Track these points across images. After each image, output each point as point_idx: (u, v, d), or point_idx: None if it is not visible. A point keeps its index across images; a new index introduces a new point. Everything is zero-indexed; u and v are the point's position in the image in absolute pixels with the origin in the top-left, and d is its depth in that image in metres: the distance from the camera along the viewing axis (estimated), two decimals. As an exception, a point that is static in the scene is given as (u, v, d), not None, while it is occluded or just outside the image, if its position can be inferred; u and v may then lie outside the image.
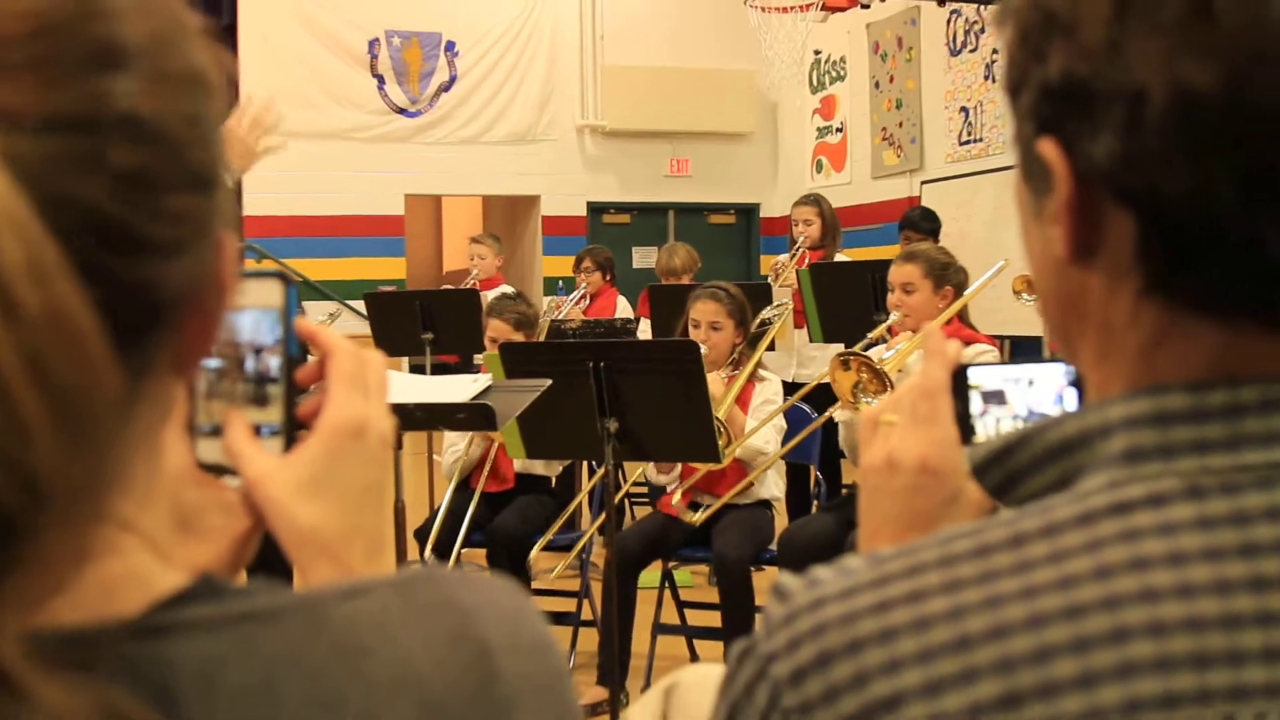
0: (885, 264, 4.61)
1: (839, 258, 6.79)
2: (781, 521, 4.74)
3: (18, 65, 0.56)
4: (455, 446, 4.90)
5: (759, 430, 4.40)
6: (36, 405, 0.49)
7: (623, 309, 7.58)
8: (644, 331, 6.84)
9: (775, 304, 5.18)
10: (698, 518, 4.39)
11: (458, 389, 3.35)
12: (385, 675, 0.61)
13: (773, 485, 4.63)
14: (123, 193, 0.58)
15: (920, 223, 7.35)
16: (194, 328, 0.64)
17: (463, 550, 4.60)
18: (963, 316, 4.45)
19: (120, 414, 0.57)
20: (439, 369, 6.59)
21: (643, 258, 13.23)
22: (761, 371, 4.66)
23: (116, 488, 0.60)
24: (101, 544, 0.59)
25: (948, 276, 4.35)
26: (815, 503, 5.65)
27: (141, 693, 0.55)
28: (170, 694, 0.56)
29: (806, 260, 6.64)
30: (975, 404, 1.03)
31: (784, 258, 6.83)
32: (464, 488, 4.81)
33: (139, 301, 0.59)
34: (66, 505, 0.51)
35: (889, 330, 4.38)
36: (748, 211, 13.84)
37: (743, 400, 4.54)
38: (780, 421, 4.54)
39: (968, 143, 10.39)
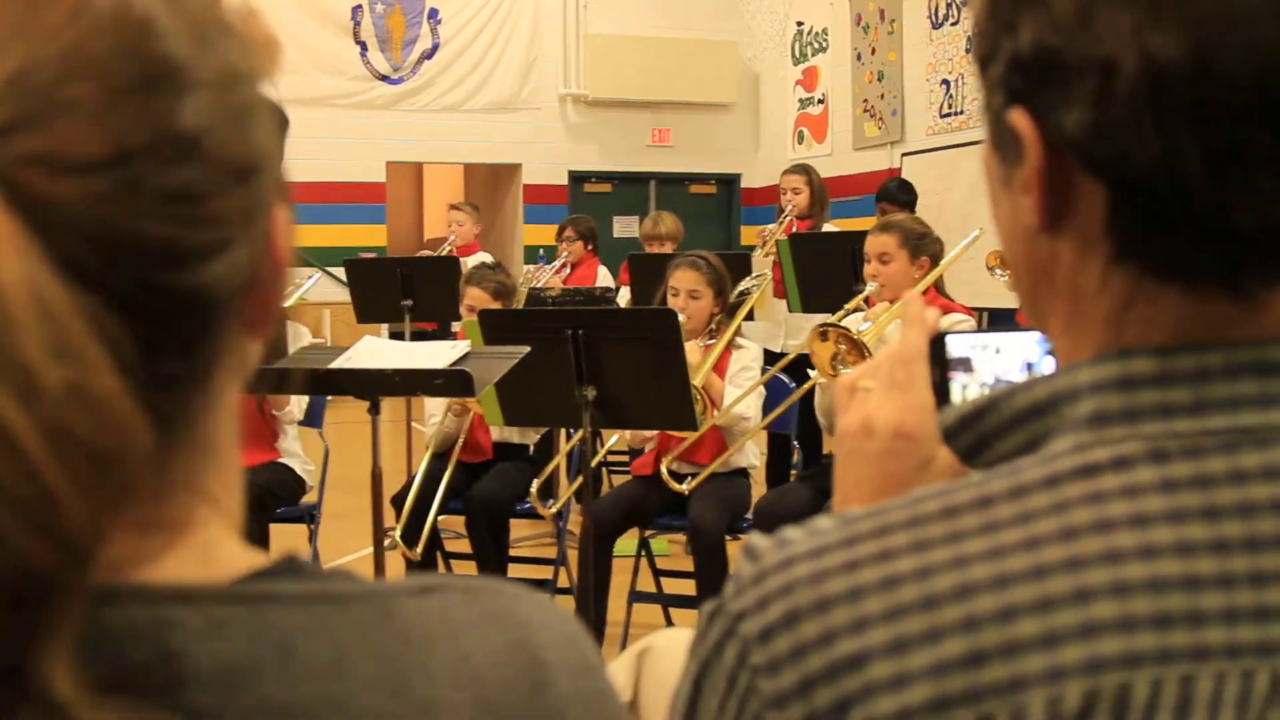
0: (865, 235, 4.61)
1: (827, 228, 6.79)
2: (759, 491, 4.76)
3: (62, 105, 0.55)
4: (436, 416, 4.90)
5: (741, 398, 4.40)
6: (61, 476, 0.51)
7: (604, 278, 7.57)
8: (624, 300, 6.83)
9: (754, 274, 5.19)
10: (685, 487, 4.39)
11: (436, 355, 3.35)
12: (446, 669, 0.63)
13: (751, 454, 4.64)
14: (168, 211, 0.57)
15: (897, 194, 7.36)
16: (257, 300, 0.65)
17: (439, 517, 4.60)
18: (939, 287, 4.46)
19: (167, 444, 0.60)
20: (418, 336, 6.58)
21: (624, 227, 13.20)
22: (739, 339, 4.66)
23: (204, 461, 0.63)
24: (193, 517, 0.62)
25: (924, 246, 4.36)
26: (794, 473, 5.68)
27: (228, 654, 0.58)
28: (253, 659, 0.58)
29: (794, 229, 6.64)
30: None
31: (772, 226, 6.83)
32: (442, 457, 4.81)
33: (196, 306, 0.59)
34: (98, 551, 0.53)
35: (866, 301, 4.39)
36: (729, 182, 13.82)
37: (720, 368, 4.55)
38: (760, 389, 4.55)
39: (949, 115, 10.39)
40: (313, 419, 4.98)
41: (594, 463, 4.46)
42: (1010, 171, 0.76)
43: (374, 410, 3.46)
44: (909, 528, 0.71)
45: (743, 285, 4.96)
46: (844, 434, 1.04)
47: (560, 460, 5.02)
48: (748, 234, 13.00)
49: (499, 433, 4.88)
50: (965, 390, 1.04)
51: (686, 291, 4.59)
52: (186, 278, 0.58)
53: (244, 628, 0.59)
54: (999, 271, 6.65)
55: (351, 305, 6.50)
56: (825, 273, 5.62)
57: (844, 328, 3.90)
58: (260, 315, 0.66)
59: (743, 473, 4.62)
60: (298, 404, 4.78)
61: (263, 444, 4.74)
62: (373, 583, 0.65)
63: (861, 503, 0.98)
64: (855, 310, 4.33)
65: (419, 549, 4.50)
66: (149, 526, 0.60)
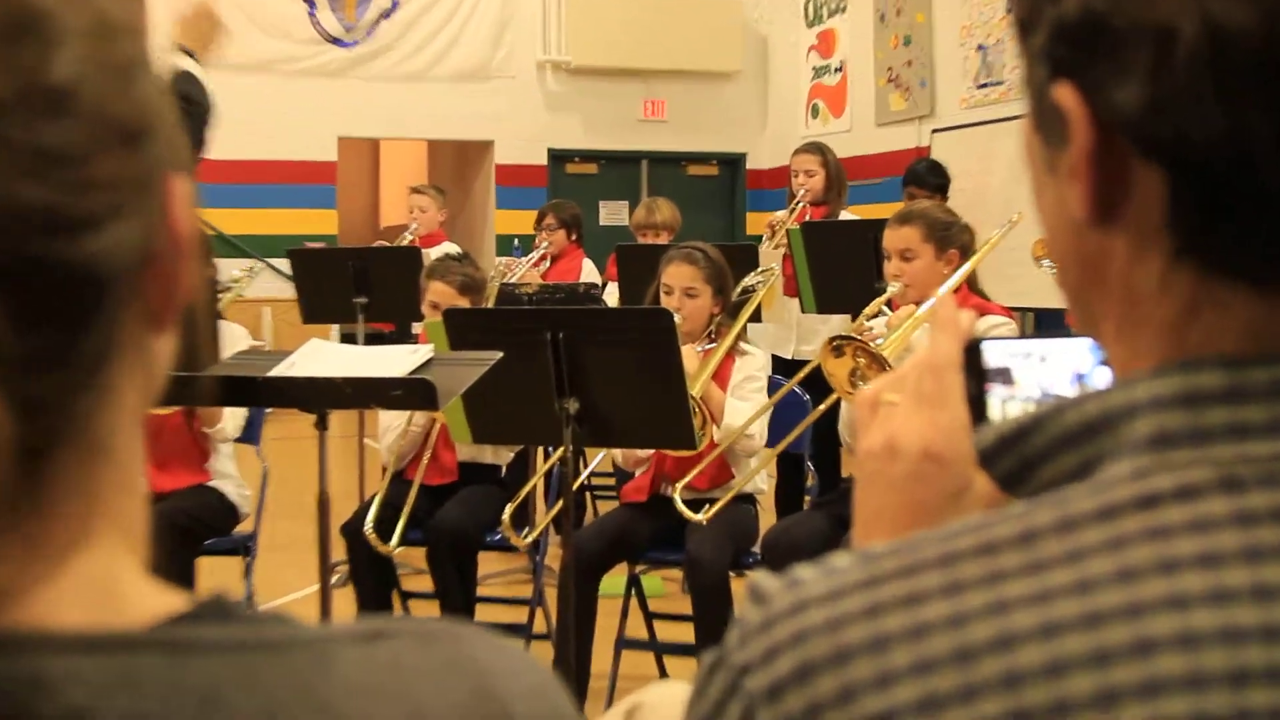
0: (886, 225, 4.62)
1: (844, 215, 6.80)
2: (767, 520, 4.76)
3: None
4: (394, 428, 4.89)
5: (752, 420, 4.40)
6: None
7: (588, 273, 7.57)
8: (611, 298, 6.84)
9: (760, 269, 5.19)
10: (703, 516, 4.37)
11: (394, 361, 3.35)
12: (397, 717, 0.63)
13: (758, 477, 4.64)
14: (43, 172, 0.58)
15: (926, 177, 7.37)
16: (158, 284, 0.65)
17: (399, 549, 4.59)
18: (973, 284, 4.47)
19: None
20: (373, 338, 6.57)
21: (612, 214, 13.22)
22: (743, 345, 4.67)
23: (98, 467, 0.63)
24: (85, 538, 0.62)
25: (951, 237, 4.36)
26: (807, 499, 5.68)
27: (142, 710, 0.58)
28: (171, 716, 0.58)
29: (808, 217, 6.64)
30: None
31: (782, 214, 6.83)
32: (400, 479, 4.81)
33: (79, 282, 0.60)
34: None
35: (888, 304, 4.40)
36: (732, 162, 13.85)
37: (720, 377, 4.55)
38: (764, 401, 4.55)
39: (986, 85, 10.41)
40: (249, 435, 4.98)
41: (576, 486, 4.46)
42: (1055, 155, 0.76)
43: (321, 425, 3.46)
44: (940, 567, 0.70)
45: (747, 281, 4.97)
46: (865, 456, 1.03)
47: (537, 483, 5.02)
48: (754, 222, 13.02)
49: (466, 451, 4.87)
50: (1005, 406, 1.04)
51: (682, 289, 4.60)
52: (67, 249, 0.59)
53: (160, 680, 0.59)
54: (1047, 263, 6.66)
55: (296, 302, 6.49)
56: (843, 267, 5.63)
57: (860, 340, 3.90)
58: (163, 302, 0.66)
59: (748, 499, 4.62)
60: (232, 418, 4.77)
61: (190, 464, 4.73)
62: (312, 628, 0.66)
63: (885, 536, 0.98)
64: (876, 315, 4.34)
65: (393, 542, 4.49)
66: (26, 547, 0.59)
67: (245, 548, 4.88)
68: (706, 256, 4.65)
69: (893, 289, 4.34)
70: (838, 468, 6.17)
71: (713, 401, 4.45)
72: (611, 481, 6.76)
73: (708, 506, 4.41)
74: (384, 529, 4.53)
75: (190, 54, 3.88)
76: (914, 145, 11.10)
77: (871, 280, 5.25)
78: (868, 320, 4.26)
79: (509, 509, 4.51)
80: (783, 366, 6.34)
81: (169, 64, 3.72)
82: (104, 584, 0.62)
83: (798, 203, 6.74)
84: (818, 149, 6.87)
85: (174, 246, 0.66)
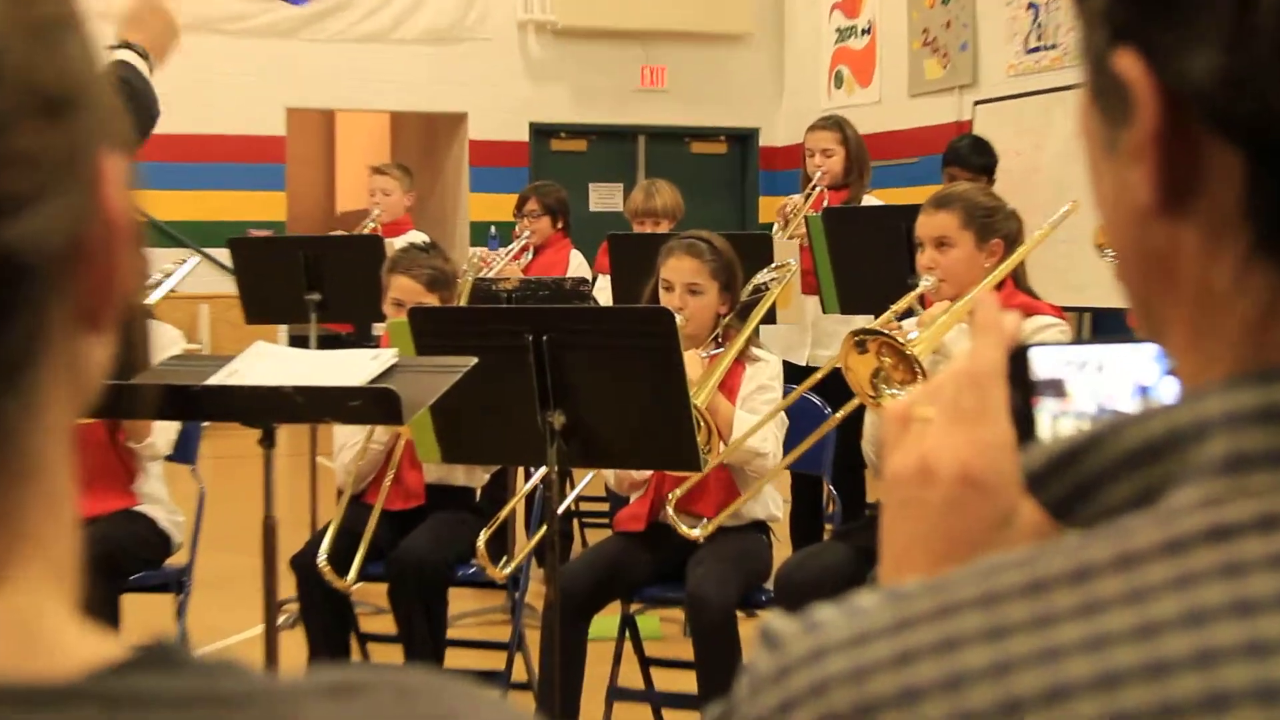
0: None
1: (867, 200, 6.80)
2: (782, 552, 4.76)
3: None
4: (351, 445, 4.89)
5: (757, 427, 4.40)
6: None
7: (577, 266, 7.58)
8: (603, 294, 6.84)
9: (775, 264, 5.19)
10: (699, 532, 4.38)
11: (352, 368, 3.35)
12: None
13: (770, 502, 4.64)
14: None
15: (969, 156, 7.38)
16: (90, 278, 0.65)
17: (356, 584, 4.59)
18: (1019, 280, 4.46)
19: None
20: (328, 341, 6.57)
21: (603, 197, 13.24)
22: (754, 350, 4.67)
23: (20, 488, 0.63)
24: (4, 570, 0.62)
25: (994, 225, 4.36)
26: (827, 527, 5.68)
27: None
28: None
29: (825, 203, 6.64)
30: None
31: (796, 199, 6.83)
32: (359, 504, 4.80)
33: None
34: None
35: (921, 300, 4.40)
36: (743, 139, 13.86)
37: (729, 386, 4.55)
38: (781, 415, 4.55)
39: (1037, 50, 10.43)
40: (183, 453, 4.97)
41: (561, 512, 4.45)
42: (1116, 133, 0.76)
43: (267, 442, 3.46)
44: (981, 608, 0.71)
45: (760, 277, 4.97)
46: (895, 479, 1.04)
47: (517, 508, 5.02)
48: (767, 208, 13.03)
49: (435, 472, 4.87)
50: (1056, 422, 1.04)
51: (684, 285, 4.60)
52: None
53: None
54: (1111, 253, 6.66)
55: (238, 299, 6.49)
56: (871, 260, 5.63)
57: (887, 334, 3.90)
58: (96, 300, 0.66)
59: (760, 527, 4.62)
60: (163, 433, 4.77)
61: (115, 487, 4.73)
62: (273, 680, 0.65)
63: (917, 570, 0.98)
64: (907, 313, 4.34)
65: (351, 577, 4.49)
66: None
67: (178, 583, 4.87)
68: (713, 248, 4.65)
69: (926, 283, 4.33)
70: (861, 492, 6.16)
71: (720, 415, 4.45)
72: (603, 507, 6.76)
73: (705, 522, 4.41)
74: (340, 561, 4.53)
75: (138, 51, 3.88)
76: (953, 119, 11.11)
77: (903, 276, 5.25)
78: (896, 318, 4.26)
79: (483, 536, 4.51)
80: (796, 375, 6.34)
81: (111, 55, 3.72)
82: (28, 626, 0.62)
83: (814, 187, 6.74)
84: (836, 124, 6.88)
85: (108, 233, 0.66)
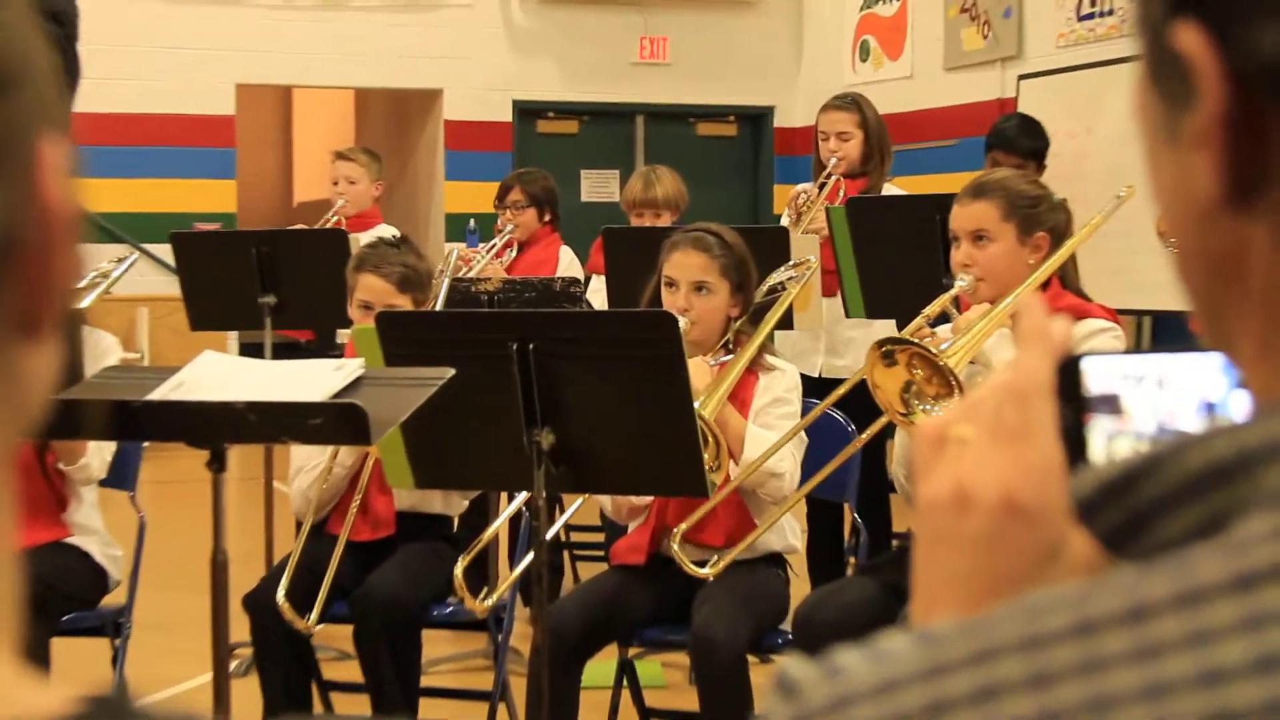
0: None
1: (888, 190, 6.80)
2: (800, 589, 4.75)
3: None
4: (311, 467, 4.89)
5: (775, 447, 4.39)
6: None
7: (567, 264, 7.57)
8: (597, 296, 6.84)
9: (793, 261, 5.18)
10: (708, 571, 4.37)
11: (312, 380, 3.35)
12: None
13: (787, 531, 4.64)
14: None
15: (1017, 139, 7.36)
16: (27, 278, 0.65)
17: (319, 626, 4.58)
18: (1067, 279, 4.46)
19: None
20: (285, 349, 6.56)
21: (597, 186, 13.23)
22: (769, 358, 4.67)
23: None
24: None
25: (1038, 216, 4.35)
26: (851, 561, 5.67)
27: None
28: None
29: (841, 193, 6.64)
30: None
31: (807, 188, 6.82)
32: (321, 534, 4.80)
33: None
34: None
35: (956, 303, 4.39)
36: (756, 119, 13.86)
37: (740, 398, 4.55)
38: (801, 435, 4.54)
39: (1090, 17, 10.44)
40: (120, 478, 4.97)
41: (550, 542, 4.45)
42: (1177, 117, 0.76)
43: (216, 465, 3.45)
44: (1023, 652, 0.71)
45: (776, 276, 4.97)
46: (928, 507, 1.04)
47: (499, 538, 5.01)
48: (783, 197, 13.00)
49: (406, 499, 4.87)
50: (1110, 443, 1.04)
51: (690, 284, 4.60)
52: None
53: None
54: (1174, 242, 6.66)
55: (182, 303, 6.48)
56: (902, 258, 5.62)
57: (918, 344, 3.90)
58: (34, 302, 0.66)
59: (775, 560, 4.62)
60: (98, 455, 4.76)
61: (43, 515, 4.73)
62: None
63: (952, 611, 0.98)
64: (941, 318, 4.33)
65: (312, 617, 4.49)
66: None
67: (115, 626, 4.86)
68: (722, 242, 4.65)
69: (961, 283, 4.32)
70: (888, 520, 6.15)
71: (730, 430, 4.45)
72: (597, 537, 6.76)
73: (715, 559, 4.40)
74: (300, 600, 4.53)
75: None
76: (995, 96, 11.12)
77: (938, 275, 5.25)
78: (928, 324, 4.25)
79: (461, 564, 4.49)
80: (809, 386, 6.34)
81: None
82: None
83: (827, 176, 6.74)
84: (854, 103, 6.87)
85: (46, 228, 0.66)
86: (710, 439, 4.19)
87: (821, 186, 6.73)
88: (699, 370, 4.36)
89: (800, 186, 7.01)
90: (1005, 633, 0.72)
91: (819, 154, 6.87)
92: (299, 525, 4.86)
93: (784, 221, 6.88)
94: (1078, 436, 1.04)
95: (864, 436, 4.36)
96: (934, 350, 3.88)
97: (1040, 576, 0.99)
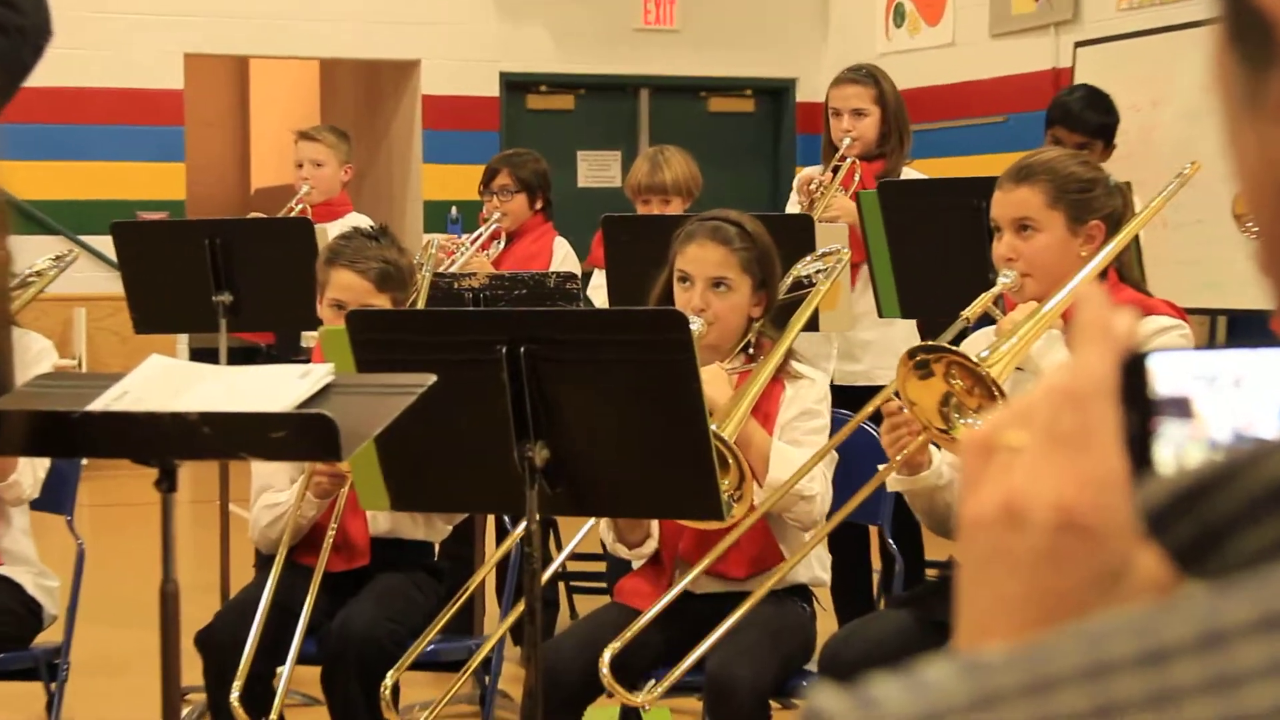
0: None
1: (907, 174, 6.79)
2: (828, 624, 4.75)
3: None
4: (274, 493, 4.88)
5: (806, 468, 4.39)
6: None
7: (562, 257, 7.57)
8: (597, 293, 6.84)
9: (822, 250, 5.17)
10: (730, 624, 4.35)
11: (274, 389, 3.35)
12: None
13: (814, 561, 4.63)
14: None
15: (1083, 114, 7.29)
16: None
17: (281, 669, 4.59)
18: (1125, 272, 4.44)
19: None
20: (242, 354, 6.58)
21: (596, 169, 13.24)
22: (796, 365, 4.66)
23: None
24: None
25: (1091, 201, 4.32)
26: (884, 594, 5.67)
27: None
28: None
29: (856, 177, 6.63)
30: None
31: (815, 173, 6.82)
32: (290, 562, 4.79)
33: None
34: None
35: (999, 302, 4.38)
36: (776, 93, 13.86)
37: (763, 410, 4.54)
38: (831, 452, 4.54)
39: (1154, -21, 10.45)
40: (57, 500, 4.97)
41: (547, 576, 4.46)
42: (1259, 82, 0.76)
43: (165, 485, 3.46)
44: (1084, 683, 0.71)
45: (802, 268, 4.96)
46: (975, 524, 1.04)
47: (486, 572, 5.01)
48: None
49: (383, 523, 4.88)
50: (1180, 450, 1.05)
51: (707, 279, 4.59)
52: None
53: None
54: (1253, 224, 6.60)
55: (125, 302, 6.49)
56: (944, 250, 5.62)
57: (955, 351, 3.89)
58: None
59: (800, 593, 4.62)
60: (30, 472, 4.76)
61: (-30, 542, 4.74)
62: None
63: (1003, 638, 0.99)
64: (983, 320, 4.33)
65: (290, 661, 4.50)
66: None
67: (50, 667, 4.86)
68: (743, 232, 4.64)
69: (1005, 280, 4.31)
70: (920, 547, 6.14)
71: (753, 448, 4.44)
72: (598, 567, 6.75)
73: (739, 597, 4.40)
74: (267, 637, 4.53)
75: None
76: (1049, 66, 11.12)
77: (985, 268, 5.25)
78: (969, 326, 4.25)
79: (447, 615, 4.50)
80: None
81: None
82: None
83: (840, 160, 6.73)
84: (870, 76, 6.86)
85: None
86: (732, 462, 4.18)
87: (835, 170, 6.71)
88: (716, 379, 4.36)
89: (807, 171, 7.00)
90: (1063, 662, 0.72)
91: (829, 134, 6.86)
92: (258, 552, 4.86)
93: (795, 203, 6.87)
94: (1143, 443, 1.04)
95: (898, 458, 4.28)
96: (975, 359, 3.87)
97: (1102, 599, 0.99)
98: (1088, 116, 7.12)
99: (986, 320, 4.39)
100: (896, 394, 4.02)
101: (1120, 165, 6.83)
